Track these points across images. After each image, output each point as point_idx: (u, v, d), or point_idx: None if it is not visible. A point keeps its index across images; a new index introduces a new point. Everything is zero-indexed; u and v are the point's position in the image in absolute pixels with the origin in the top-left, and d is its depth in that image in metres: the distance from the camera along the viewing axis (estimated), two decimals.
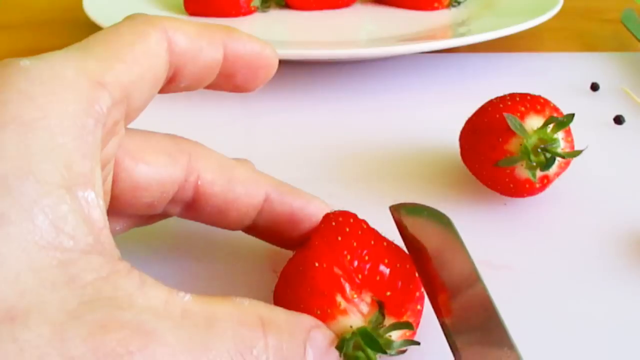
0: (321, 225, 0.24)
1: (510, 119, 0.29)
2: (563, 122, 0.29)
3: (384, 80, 0.46)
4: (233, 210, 0.24)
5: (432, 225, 0.24)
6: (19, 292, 0.15)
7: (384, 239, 0.23)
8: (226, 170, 0.24)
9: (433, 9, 0.57)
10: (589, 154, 0.31)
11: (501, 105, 0.30)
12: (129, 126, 0.22)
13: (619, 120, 0.39)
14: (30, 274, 0.15)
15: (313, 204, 0.25)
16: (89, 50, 0.19)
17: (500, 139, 0.29)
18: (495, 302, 0.24)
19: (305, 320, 0.20)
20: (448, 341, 0.21)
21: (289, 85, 0.45)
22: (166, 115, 0.30)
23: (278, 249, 0.26)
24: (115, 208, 0.22)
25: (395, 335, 0.21)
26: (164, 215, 0.26)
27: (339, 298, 0.21)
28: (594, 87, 0.44)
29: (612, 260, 0.28)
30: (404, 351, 0.21)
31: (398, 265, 0.22)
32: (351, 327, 0.21)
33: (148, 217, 0.26)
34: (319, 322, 0.20)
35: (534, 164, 0.29)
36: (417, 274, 0.23)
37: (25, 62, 0.18)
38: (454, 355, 0.20)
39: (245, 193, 0.24)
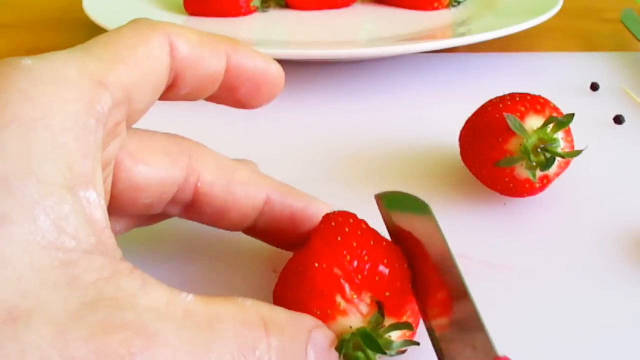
0: (321, 226, 0.23)
1: (510, 119, 0.29)
2: (563, 122, 0.29)
3: (384, 80, 0.46)
4: (233, 212, 0.24)
5: (412, 216, 0.25)
6: (21, 293, 0.15)
7: (384, 239, 0.23)
8: (226, 172, 0.24)
9: (433, 9, 0.57)
10: (589, 154, 0.31)
11: (501, 105, 0.30)
12: None
13: (619, 120, 0.39)
14: (32, 275, 0.15)
15: (314, 206, 0.25)
16: (91, 51, 0.19)
17: (500, 139, 0.29)
18: (495, 302, 0.24)
19: (307, 320, 0.20)
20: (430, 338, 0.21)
21: (289, 85, 0.45)
22: (167, 115, 0.30)
23: (278, 249, 0.26)
24: (115, 208, 0.22)
25: (395, 336, 0.21)
26: (165, 216, 0.26)
27: (338, 299, 0.21)
28: (594, 87, 0.44)
29: (612, 260, 0.28)
30: (403, 351, 0.21)
31: (397, 265, 0.22)
32: (351, 327, 0.20)
33: (149, 217, 0.26)
34: (320, 323, 0.20)
35: (534, 164, 0.29)
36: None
37: (26, 62, 0.18)
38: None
39: (245, 195, 0.24)
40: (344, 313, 0.21)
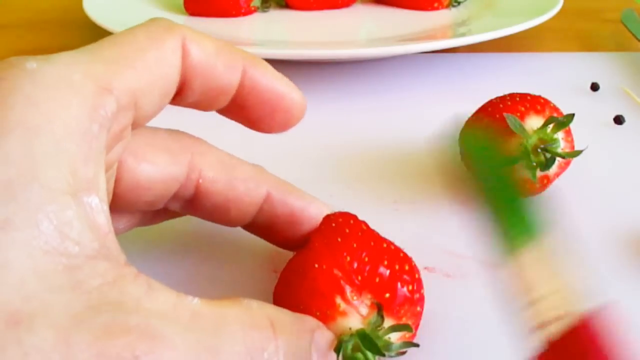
0: (321, 227, 0.23)
1: (510, 119, 0.29)
2: (563, 122, 0.29)
3: (384, 80, 0.46)
4: (233, 208, 0.24)
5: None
6: (24, 297, 0.15)
7: (384, 240, 0.23)
8: (227, 168, 0.24)
9: (433, 9, 0.57)
10: (589, 154, 0.31)
11: (501, 105, 0.30)
12: None
13: (619, 120, 0.39)
14: (35, 279, 0.15)
15: (313, 206, 0.25)
16: (99, 53, 0.19)
17: (501, 139, 0.29)
18: (495, 302, 0.24)
19: (310, 321, 0.20)
20: None
21: None
22: (168, 114, 0.30)
23: (279, 249, 0.26)
24: (117, 206, 0.22)
25: (394, 337, 0.21)
26: (167, 215, 0.26)
27: (338, 299, 0.21)
28: (594, 87, 0.44)
29: (612, 259, 0.28)
30: (403, 353, 0.21)
31: (397, 266, 0.22)
32: (350, 328, 0.20)
33: (151, 217, 0.26)
34: (321, 324, 0.20)
35: (534, 164, 0.29)
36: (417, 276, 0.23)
37: (31, 64, 0.18)
38: None
39: (245, 191, 0.24)
40: (343, 314, 0.21)
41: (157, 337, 0.15)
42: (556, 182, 0.30)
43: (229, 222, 0.25)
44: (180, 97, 0.22)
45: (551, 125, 0.29)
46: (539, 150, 0.29)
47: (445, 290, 0.26)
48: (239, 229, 0.26)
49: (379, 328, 0.21)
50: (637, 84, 0.45)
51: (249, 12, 0.57)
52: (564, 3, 0.53)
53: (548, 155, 0.28)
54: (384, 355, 0.21)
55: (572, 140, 0.30)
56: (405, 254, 0.23)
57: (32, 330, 0.14)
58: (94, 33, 0.53)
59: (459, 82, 0.46)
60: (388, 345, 0.21)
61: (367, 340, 0.20)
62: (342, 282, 0.21)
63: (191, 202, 0.24)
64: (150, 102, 0.20)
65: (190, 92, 0.22)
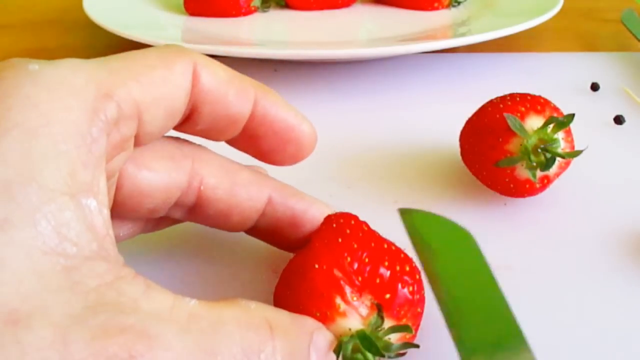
0: (322, 227, 0.23)
1: (511, 119, 0.29)
2: (563, 122, 0.29)
3: (384, 80, 0.46)
4: (235, 214, 0.24)
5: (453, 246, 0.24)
6: (22, 296, 0.15)
7: (385, 240, 0.23)
8: (229, 174, 0.24)
9: (433, 9, 0.57)
10: (589, 154, 0.31)
11: (501, 106, 0.30)
12: None
13: (619, 120, 0.39)
14: (33, 278, 0.15)
15: (315, 207, 0.25)
16: (106, 63, 0.19)
17: (501, 139, 0.29)
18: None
19: (308, 322, 0.20)
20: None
21: (289, 85, 0.45)
22: None
23: (279, 249, 0.26)
24: (118, 213, 0.22)
25: (395, 338, 0.21)
26: (169, 222, 0.26)
27: (338, 300, 0.21)
28: (594, 87, 0.44)
29: (612, 259, 0.28)
30: (403, 354, 0.21)
31: (398, 267, 0.22)
32: (350, 329, 0.20)
33: (154, 224, 0.25)
34: (320, 324, 0.20)
35: (534, 164, 0.29)
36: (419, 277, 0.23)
37: (33, 66, 0.18)
38: None
39: (247, 197, 0.24)
40: (343, 315, 0.21)
41: (153, 337, 0.16)
42: (556, 182, 0.30)
43: (232, 228, 0.25)
44: (189, 123, 0.22)
45: (551, 125, 0.29)
46: (539, 150, 0.29)
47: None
48: None
49: (379, 329, 0.21)
50: (637, 84, 0.45)
51: (249, 12, 0.57)
52: (564, 3, 0.53)
53: (548, 155, 0.28)
54: (383, 356, 0.21)
55: (572, 140, 0.30)
56: (406, 255, 0.23)
57: (30, 329, 0.14)
58: (94, 33, 0.53)
59: (459, 82, 0.46)
60: (388, 346, 0.21)
61: (367, 341, 0.20)
62: (342, 282, 0.21)
63: (193, 209, 0.24)
64: (155, 118, 0.20)
65: (200, 118, 0.22)
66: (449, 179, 0.34)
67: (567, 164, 0.30)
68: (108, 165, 0.19)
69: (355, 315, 0.21)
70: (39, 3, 0.66)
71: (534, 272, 0.28)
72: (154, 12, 0.56)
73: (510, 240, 0.30)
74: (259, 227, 0.25)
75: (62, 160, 0.16)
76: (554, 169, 0.30)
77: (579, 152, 0.29)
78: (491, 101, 0.31)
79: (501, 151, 0.29)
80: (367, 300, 0.21)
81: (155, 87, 0.20)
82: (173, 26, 0.54)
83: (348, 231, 0.22)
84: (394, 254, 0.23)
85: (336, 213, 0.24)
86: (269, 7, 0.58)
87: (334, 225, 0.23)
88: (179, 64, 0.20)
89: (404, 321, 0.22)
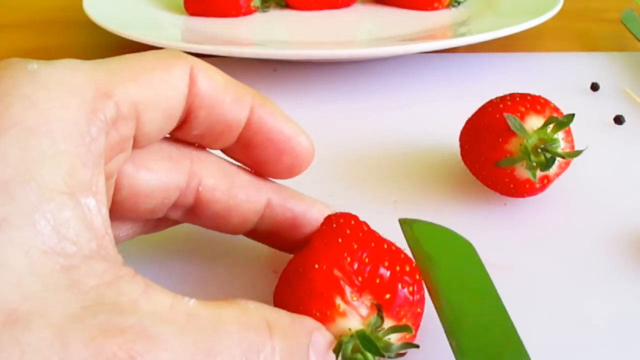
0: (322, 227, 0.23)
1: (511, 119, 0.29)
2: (563, 122, 0.29)
3: (384, 80, 0.46)
4: (234, 216, 0.24)
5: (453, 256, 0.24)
6: (21, 295, 0.15)
7: (385, 240, 0.23)
8: (228, 176, 0.24)
9: (433, 9, 0.57)
10: (589, 154, 0.31)
11: (501, 106, 0.30)
12: None
13: (619, 120, 0.39)
14: (32, 278, 0.15)
15: (315, 209, 0.25)
16: (104, 65, 0.19)
17: (501, 139, 0.29)
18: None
19: (308, 322, 0.20)
20: None
21: (289, 85, 0.45)
22: None
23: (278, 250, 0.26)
24: (117, 214, 0.22)
25: (394, 338, 0.21)
26: (169, 223, 0.26)
27: (338, 300, 0.21)
28: (594, 87, 0.44)
29: (612, 259, 0.28)
30: (403, 354, 0.21)
31: (398, 267, 0.22)
32: (350, 329, 0.20)
33: (153, 225, 0.25)
34: (320, 325, 0.20)
35: (534, 164, 0.29)
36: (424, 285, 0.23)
37: (32, 66, 0.18)
38: None
39: (246, 199, 0.24)
40: (343, 315, 0.21)
41: (153, 337, 0.16)
42: (556, 182, 0.30)
43: (231, 230, 0.25)
44: (185, 127, 0.22)
45: (551, 125, 0.29)
46: (539, 150, 0.29)
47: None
48: None
49: (378, 329, 0.21)
50: (637, 84, 0.45)
51: (249, 12, 0.57)
52: (564, 3, 0.53)
53: (548, 155, 0.28)
54: (383, 356, 0.21)
55: (572, 140, 0.30)
56: (406, 255, 0.23)
57: (30, 329, 0.14)
58: (94, 33, 0.53)
59: (459, 82, 0.46)
60: (388, 346, 0.21)
61: (367, 341, 0.20)
62: (342, 282, 0.21)
63: (192, 211, 0.24)
64: (153, 120, 0.20)
65: (196, 122, 0.22)
66: (449, 179, 0.34)
67: (567, 164, 0.30)
68: (107, 166, 0.19)
69: (355, 315, 0.21)
70: (39, 3, 0.66)
71: (534, 272, 0.28)
72: (154, 12, 0.56)
73: (510, 240, 0.30)
74: (259, 230, 0.25)
75: (61, 159, 0.16)
76: (554, 169, 0.30)
77: (579, 152, 0.29)
78: (491, 101, 0.31)
79: (501, 151, 0.29)
80: (367, 300, 0.21)
81: (153, 89, 0.20)
82: (173, 26, 0.54)
83: (348, 231, 0.22)
84: (394, 254, 0.23)
85: (336, 213, 0.24)
86: (269, 7, 0.58)
87: (334, 225, 0.23)
88: (177, 67, 0.21)
89: (403, 321, 0.22)
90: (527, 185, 0.30)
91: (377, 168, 0.35)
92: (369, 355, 0.20)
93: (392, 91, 0.45)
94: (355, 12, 0.59)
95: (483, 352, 0.20)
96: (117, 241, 0.22)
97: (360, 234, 0.22)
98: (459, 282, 0.23)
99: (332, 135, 0.39)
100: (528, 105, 0.30)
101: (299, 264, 0.22)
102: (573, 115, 0.29)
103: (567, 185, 0.32)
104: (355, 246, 0.22)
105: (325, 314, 0.21)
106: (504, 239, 0.30)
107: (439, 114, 0.41)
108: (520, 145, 0.29)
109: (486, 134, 0.30)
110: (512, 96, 0.30)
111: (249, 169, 0.25)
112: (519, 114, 0.29)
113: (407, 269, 0.22)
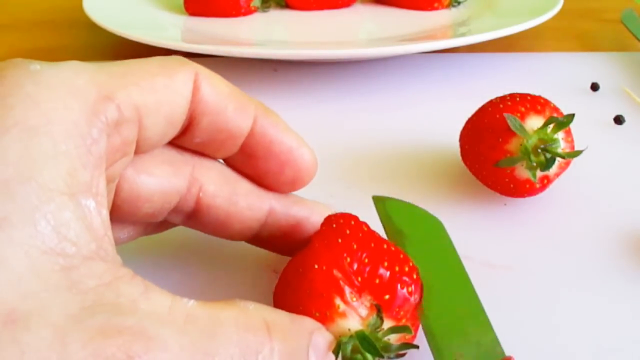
0: (322, 227, 0.23)
1: (511, 119, 0.29)
2: (563, 122, 0.29)
3: (384, 80, 0.46)
4: (235, 223, 0.24)
5: (412, 220, 0.25)
6: (21, 295, 0.15)
7: (384, 241, 0.23)
8: (229, 182, 0.24)
9: (433, 9, 0.57)
10: (589, 154, 0.31)
11: (501, 106, 0.30)
12: None
13: (619, 120, 0.39)
14: (32, 278, 0.15)
15: (317, 212, 0.25)
16: (107, 68, 0.19)
17: (501, 139, 0.29)
18: (496, 302, 0.24)
19: (308, 323, 0.20)
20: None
21: (289, 85, 0.45)
22: None
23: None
24: (117, 217, 0.22)
25: (394, 339, 0.21)
26: (169, 225, 0.26)
27: (337, 300, 0.21)
28: (594, 87, 0.44)
29: (612, 259, 0.28)
30: (402, 355, 0.21)
31: (397, 268, 0.22)
32: (349, 330, 0.20)
33: (154, 227, 0.25)
34: (320, 325, 0.20)
35: (534, 164, 0.29)
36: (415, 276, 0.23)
37: (35, 66, 0.18)
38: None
39: (248, 206, 0.24)
40: (342, 315, 0.21)
41: (151, 338, 0.16)
42: (556, 182, 0.30)
43: (232, 237, 0.25)
44: (188, 135, 0.22)
45: (551, 126, 0.29)
46: (539, 150, 0.29)
47: None
48: None
49: (378, 329, 0.21)
50: (637, 84, 0.45)
51: (249, 12, 0.57)
52: (564, 3, 0.53)
53: (548, 155, 0.28)
54: (382, 357, 0.21)
55: (572, 140, 0.30)
56: (405, 255, 0.23)
57: (29, 329, 0.14)
58: (94, 33, 0.53)
59: (459, 82, 0.46)
60: (387, 346, 0.21)
61: (366, 341, 0.20)
62: (341, 283, 0.21)
63: (192, 216, 0.24)
64: (155, 124, 0.20)
65: (198, 130, 0.22)
66: (449, 179, 0.34)
67: (567, 164, 0.30)
68: (109, 170, 0.19)
69: (354, 315, 0.21)
70: (39, 3, 0.66)
71: (534, 272, 0.28)
72: (154, 12, 0.56)
73: (510, 240, 0.29)
74: (261, 237, 0.25)
75: (62, 159, 0.16)
76: (554, 169, 0.30)
77: (579, 152, 0.29)
78: (491, 101, 0.31)
79: (501, 151, 0.29)
80: (367, 300, 0.21)
81: (156, 93, 0.20)
82: (173, 26, 0.54)
83: (348, 232, 0.22)
84: (394, 254, 0.23)
85: (336, 213, 0.24)
86: (269, 7, 0.58)
87: (334, 225, 0.23)
88: (181, 73, 0.21)
89: (403, 322, 0.22)
90: (527, 185, 0.30)
91: (377, 168, 0.35)
92: (369, 355, 0.20)
93: (392, 91, 0.45)
94: (355, 12, 0.59)
95: (450, 324, 0.22)
96: (118, 243, 0.22)
97: (360, 235, 0.22)
98: (428, 256, 0.24)
99: (332, 135, 0.39)
100: (528, 105, 0.30)
101: (298, 264, 0.22)
102: (573, 115, 0.29)
103: (567, 185, 0.32)
104: (355, 246, 0.22)
105: (324, 315, 0.21)
106: (504, 239, 0.30)
107: (439, 114, 0.41)
108: (520, 145, 0.29)
109: (486, 134, 0.30)
110: (512, 96, 0.30)
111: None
112: (519, 114, 0.29)
113: (407, 269, 0.22)
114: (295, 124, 0.40)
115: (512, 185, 0.30)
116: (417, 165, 0.35)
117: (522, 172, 0.29)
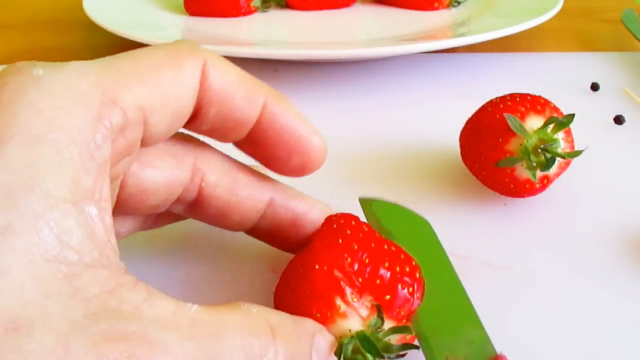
0: (322, 228, 0.23)
1: (511, 119, 0.29)
2: (563, 122, 0.29)
3: (383, 80, 0.46)
4: (235, 213, 0.24)
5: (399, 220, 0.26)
6: (23, 303, 0.15)
7: (385, 241, 0.23)
8: (230, 173, 0.24)
9: (433, 9, 0.57)
10: (589, 154, 0.31)
11: (501, 106, 0.30)
12: None
13: (619, 120, 0.39)
14: (35, 285, 0.15)
15: (316, 209, 0.25)
16: (113, 65, 0.19)
17: (501, 139, 0.29)
18: (495, 302, 0.25)
19: (310, 325, 0.20)
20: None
21: (289, 85, 0.45)
22: None
23: (279, 249, 0.26)
24: (121, 211, 0.22)
25: (395, 339, 0.21)
26: (169, 219, 0.26)
27: (338, 301, 0.21)
28: (594, 87, 0.44)
29: (612, 260, 0.28)
30: (403, 355, 0.21)
31: (398, 268, 0.22)
32: (350, 330, 0.20)
33: (154, 221, 0.25)
34: (322, 327, 0.20)
35: (534, 164, 0.29)
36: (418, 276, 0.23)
37: (38, 71, 0.17)
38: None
39: (248, 196, 0.24)
40: (343, 316, 0.21)
41: (155, 343, 0.15)
42: (556, 182, 0.30)
43: (232, 226, 0.25)
44: (194, 123, 0.22)
45: (551, 126, 0.29)
46: (539, 150, 0.29)
47: None
48: None
49: (379, 330, 0.21)
50: (637, 84, 0.45)
51: (249, 12, 0.57)
52: (564, 3, 0.53)
53: (548, 155, 0.28)
54: (383, 357, 0.21)
55: (572, 140, 0.30)
56: (406, 255, 0.23)
57: (32, 336, 0.14)
58: (94, 33, 0.53)
59: (459, 82, 0.46)
60: (388, 347, 0.21)
61: (367, 342, 0.20)
62: (342, 283, 0.21)
63: (194, 206, 0.24)
64: (161, 121, 0.20)
65: (205, 118, 0.21)
66: (449, 179, 0.34)
67: (567, 164, 0.30)
68: (113, 169, 0.19)
69: (355, 316, 0.21)
70: (39, 3, 0.66)
71: (534, 272, 0.28)
72: (154, 12, 0.56)
73: (510, 240, 0.30)
74: (260, 228, 0.25)
75: (65, 167, 0.16)
76: (554, 169, 0.30)
77: (579, 152, 0.29)
78: (491, 101, 0.31)
79: (501, 151, 0.29)
80: (367, 301, 0.21)
81: (162, 89, 0.19)
82: (173, 26, 0.54)
83: (348, 232, 0.22)
84: (394, 254, 0.23)
85: (337, 214, 0.24)
86: (269, 7, 0.58)
87: (335, 226, 0.23)
88: (188, 64, 0.20)
89: (404, 322, 0.22)
90: (527, 185, 0.30)
91: (377, 168, 0.35)
92: (369, 356, 0.20)
93: (392, 91, 0.45)
94: (355, 12, 0.59)
95: (438, 321, 0.22)
96: (118, 237, 0.22)
97: (361, 235, 0.22)
98: (416, 255, 0.23)
99: (332, 135, 0.38)
100: (528, 105, 0.30)
101: (299, 264, 0.22)
102: (573, 115, 0.29)
103: (567, 185, 0.32)
104: (356, 247, 0.22)
105: (325, 315, 0.21)
106: (504, 239, 0.30)
107: (439, 114, 0.41)
108: (520, 145, 0.29)
109: (486, 134, 0.30)
110: (512, 96, 0.30)
111: (253, 167, 0.25)
112: (519, 114, 0.29)
113: (407, 269, 0.22)
114: None
115: (512, 185, 0.30)
116: (417, 165, 0.35)
117: (522, 172, 0.29)
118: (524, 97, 0.30)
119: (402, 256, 0.23)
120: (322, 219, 0.24)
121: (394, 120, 0.40)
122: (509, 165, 0.29)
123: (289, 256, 0.24)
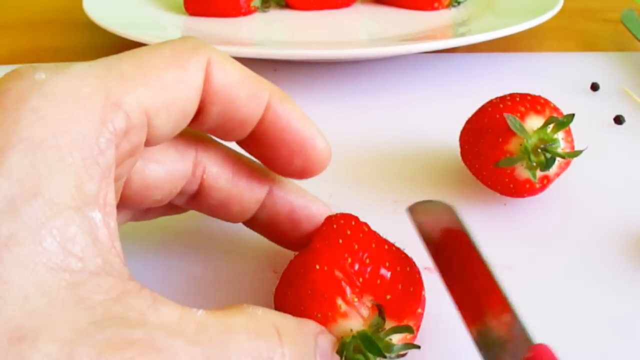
0: (323, 228, 0.24)
1: (511, 119, 0.29)
2: (563, 122, 0.29)
3: (384, 80, 0.46)
4: (236, 204, 0.24)
5: (440, 221, 0.24)
6: (28, 312, 0.15)
7: (385, 241, 0.23)
8: (231, 164, 0.24)
9: (433, 9, 0.57)
10: (589, 154, 0.31)
11: (501, 105, 0.30)
12: None
13: (619, 120, 0.39)
14: (38, 295, 0.15)
15: (315, 205, 0.25)
16: (116, 67, 0.19)
17: (501, 139, 0.29)
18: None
19: (312, 326, 0.20)
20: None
21: (289, 85, 0.45)
22: None
23: (279, 249, 0.26)
24: (125, 207, 0.22)
25: (396, 339, 0.21)
26: (165, 209, 0.26)
27: (339, 301, 0.21)
28: (594, 87, 0.44)
29: (612, 260, 0.28)
30: (404, 355, 0.21)
31: (399, 268, 0.22)
32: (351, 330, 0.21)
33: (146, 212, 0.25)
34: (323, 328, 0.20)
35: (534, 164, 0.29)
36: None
37: (40, 75, 0.17)
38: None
39: (248, 187, 0.24)
40: (344, 315, 0.21)
41: (162, 350, 0.15)
42: (556, 182, 0.30)
43: (231, 218, 0.25)
44: (197, 121, 0.21)
45: (551, 126, 0.29)
46: (539, 150, 0.29)
47: (446, 291, 0.26)
48: (240, 228, 0.26)
49: (380, 330, 0.21)
50: (637, 84, 0.45)
51: (249, 12, 0.57)
52: (564, 3, 0.53)
53: (548, 155, 0.28)
54: (385, 356, 0.21)
55: (572, 140, 0.30)
56: (406, 255, 0.23)
57: (36, 345, 0.14)
58: (94, 33, 0.53)
59: (459, 82, 0.46)
60: (389, 346, 0.21)
61: (368, 341, 0.20)
62: (343, 283, 0.21)
63: (195, 197, 0.24)
64: (165, 122, 0.19)
65: (208, 117, 0.21)
66: (449, 179, 0.34)
67: (567, 164, 0.30)
68: (117, 170, 0.19)
69: (356, 316, 0.21)
70: (39, 3, 0.66)
71: (534, 272, 0.28)
72: (154, 12, 0.56)
73: (510, 240, 0.30)
74: (258, 219, 0.25)
75: (69, 173, 0.16)
76: (554, 169, 0.30)
77: (579, 152, 0.29)
78: (491, 101, 0.31)
79: (501, 151, 0.29)
80: (368, 301, 0.21)
81: (166, 90, 0.19)
82: (173, 26, 0.54)
83: (349, 232, 0.22)
84: (395, 254, 0.23)
85: (337, 214, 0.24)
86: (269, 7, 0.58)
87: (335, 226, 0.23)
88: (193, 63, 0.20)
89: (405, 322, 0.22)
90: (527, 185, 0.30)
91: (377, 168, 0.35)
92: (370, 355, 0.20)
93: (392, 91, 0.45)
94: (355, 12, 0.59)
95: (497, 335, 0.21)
96: None
97: (361, 235, 0.22)
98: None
99: (332, 135, 0.38)
100: (528, 105, 0.30)
101: (299, 264, 0.22)
102: (573, 115, 0.29)
103: (567, 185, 0.32)
104: (356, 247, 0.22)
105: (326, 315, 0.21)
106: (504, 239, 0.30)
107: (439, 114, 0.41)
108: (520, 145, 0.29)
109: (486, 134, 0.30)
110: (512, 96, 0.30)
111: (252, 159, 0.25)
112: (519, 114, 0.29)
113: (408, 269, 0.22)
114: None
115: (512, 185, 0.30)
116: (417, 165, 0.35)
117: (522, 172, 0.29)
118: (524, 97, 0.30)
119: (403, 256, 0.23)
120: (319, 216, 0.24)
121: (393, 120, 0.40)
122: (509, 165, 0.29)
123: (289, 256, 0.24)
